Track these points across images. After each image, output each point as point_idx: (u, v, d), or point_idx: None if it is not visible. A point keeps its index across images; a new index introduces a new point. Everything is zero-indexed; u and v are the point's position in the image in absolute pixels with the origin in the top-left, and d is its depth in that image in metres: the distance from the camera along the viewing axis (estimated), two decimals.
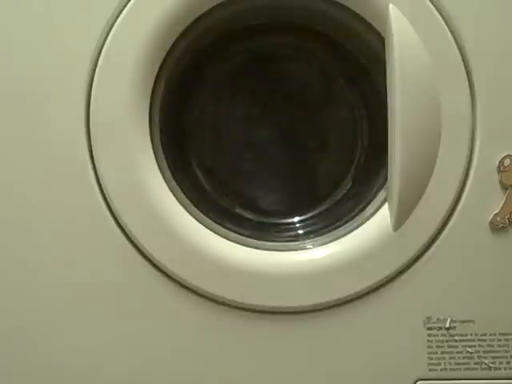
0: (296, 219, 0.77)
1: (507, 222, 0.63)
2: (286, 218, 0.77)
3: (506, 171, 0.63)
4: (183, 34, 0.63)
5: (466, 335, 0.66)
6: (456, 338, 0.66)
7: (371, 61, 0.70)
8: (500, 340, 0.66)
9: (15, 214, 0.64)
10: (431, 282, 0.65)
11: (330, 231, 0.69)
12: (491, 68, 0.62)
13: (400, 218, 0.63)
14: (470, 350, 0.66)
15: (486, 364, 0.66)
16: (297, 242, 0.69)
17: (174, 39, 0.63)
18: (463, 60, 0.62)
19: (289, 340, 0.66)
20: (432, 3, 0.61)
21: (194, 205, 0.68)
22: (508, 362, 0.66)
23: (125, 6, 0.61)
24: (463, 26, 0.62)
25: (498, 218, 0.64)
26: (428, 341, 0.66)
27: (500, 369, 0.66)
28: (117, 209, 0.63)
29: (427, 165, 0.63)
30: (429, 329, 0.65)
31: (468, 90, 0.62)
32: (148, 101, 0.63)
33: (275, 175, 0.79)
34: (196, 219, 0.65)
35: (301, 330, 0.66)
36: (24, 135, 0.63)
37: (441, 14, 0.62)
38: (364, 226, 0.66)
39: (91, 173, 0.63)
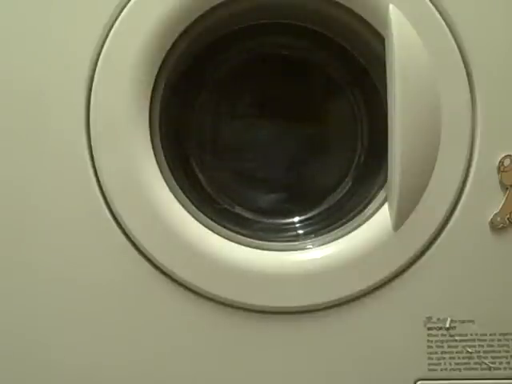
0: (296, 219, 0.77)
1: (507, 222, 0.63)
2: (285, 217, 0.77)
3: (505, 171, 0.63)
4: (183, 33, 0.63)
5: (466, 335, 0.66)
6: (456, 337, 0.66)
7: (371, 61, 0.70)
8: (500, 340, 0.66)
9: (15, 214, 0.64)
10: (431, 282, 0.65)
11: (329, 231, 0.69)
12: (491, 68, 0.62)
13: (400, 218, 0.63)
14: (469, 349, 0.66)
15: (486, 364, 0.66)
16: (297, 242, 0.69)
17: (174, 39, 0.63)
18: (463, 60, 0.62)
19: (288, 340, 0.66)
20: (432, 3, 0.61)
21: (194, 205, 0.68)
22: (508, 362, 0.66)
23: (125, 6, 0.61)
24: (463, 26, 0.62)
25: (498, 218, 0.64)
26: (428, 341, 0.66)
27: (500, 369, 0.66)
28: (117, 209, 0.63)
29: (427, 165, 0.63)
30: (429, 329, 0.65)
31: (468, 89, 0.62)
32: (148, 101, 0.63)
33: (275, 175, 0.79)
34: (196, 219, 0.65)
35: (301, 329, 0.66)
36: (24, 135, 0.63)
37: (441, 14, 0.62)
38: (364, 225, 0.66)
39: (91, 173, 0.63)
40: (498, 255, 0.65)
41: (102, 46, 0.62)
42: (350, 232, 0.66)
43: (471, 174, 0.64)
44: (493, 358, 0.66)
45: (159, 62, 0.63)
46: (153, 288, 0.65)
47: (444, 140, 0.62)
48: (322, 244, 0.66)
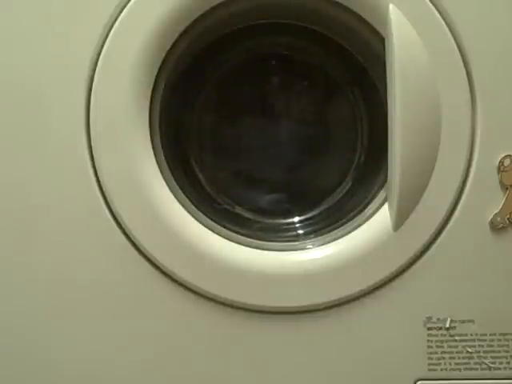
0: (296, 219, 0.77)
1: (507, 222, 0.63)
2: (285, 218, 0.77)
3: (505, 171, 0.63)
4: (183, 33, 0.63)
5: (466, 335, 0.66)
6: (456, 337, 0.66)
7: (371, 61, 0.70)
8: (500, 340, 0.66)
9: (15, 214, 0.64)
10: (431, 282, 0.65)
11: (329, 231, 0.69)
12: (491, 68, 0.62)
13: (400, 218, 0.63)
14: (469, 349, 0.66)
15: (486, 364, 0.66)
16: (297, 242, 0.69)
17: (174, 39, 0.63)
18: (463, 60, 0.62)
19: (289, 340, 0.66)
20: (432, 3, 0.61)
21: (194, 205, 0.68)
22: (508, 362, 0.66)
23: (125, 6, 0.61)
24: (463, 25, 0.62)
25: (498, 218, 0.64)
26: (428, 341, 0.66)
27: (500, 369, 0.66)
28: (117, 209, 0.63)
29: (427, 165, 0.63)
30: (429, 329, 0.65)
31: (468, 89, 0.62)
32: (148, 101, 0.63)
33: (275, 175, 0.79)
34: (196, 219, 0.65)
35: (301, 329, 0.66)
36: (24, 135, 0.63)
37: (441, 14, 0.62)
38: (364, 225, 0.66)
39: (91, 173, 0.63)
40: (498, 255, 0.65)
41: (102, 46, 0.62)
42: (350, 232, 0.66)
43: (471, 174, 0.64)
44: (493, 357, 0.66)
45: (159, 62, 0.63)
46: (153, 288, 0.65)
47: (444, 140, 0.62)
48: (322, 244, 0.66)
